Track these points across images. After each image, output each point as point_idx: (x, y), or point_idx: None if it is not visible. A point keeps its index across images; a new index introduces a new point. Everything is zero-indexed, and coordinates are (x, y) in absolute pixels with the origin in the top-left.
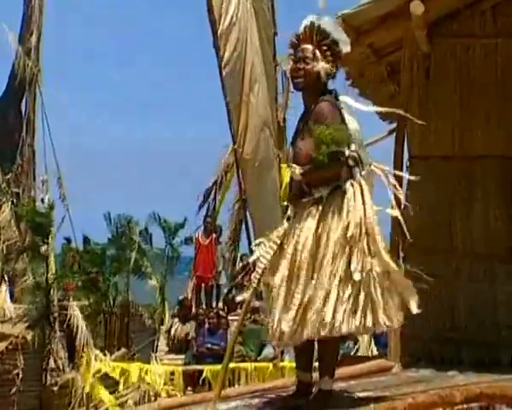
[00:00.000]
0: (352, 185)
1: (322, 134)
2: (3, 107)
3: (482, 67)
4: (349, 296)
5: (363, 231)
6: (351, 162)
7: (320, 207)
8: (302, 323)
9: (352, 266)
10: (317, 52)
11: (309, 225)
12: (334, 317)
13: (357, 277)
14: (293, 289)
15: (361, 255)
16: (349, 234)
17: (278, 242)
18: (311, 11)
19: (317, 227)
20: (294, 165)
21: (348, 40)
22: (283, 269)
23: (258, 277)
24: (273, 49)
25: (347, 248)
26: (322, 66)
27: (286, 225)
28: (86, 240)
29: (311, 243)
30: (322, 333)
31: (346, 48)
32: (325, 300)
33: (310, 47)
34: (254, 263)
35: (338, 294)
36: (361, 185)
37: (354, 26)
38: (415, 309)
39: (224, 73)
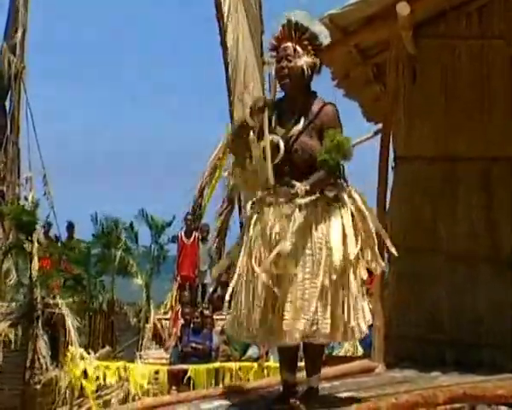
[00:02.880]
0: (354, 194)
1: (340, 141)
2: None
3: (468, 69)
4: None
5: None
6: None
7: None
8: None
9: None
10: (298, 48)
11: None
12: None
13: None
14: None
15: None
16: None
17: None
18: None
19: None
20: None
21: (327, 32)
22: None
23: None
24: (260, 48)
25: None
26: (304, 60)
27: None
28: (70, 226)
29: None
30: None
31: (326, 40)
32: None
33: (290, 44)
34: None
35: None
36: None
37: (340, 26)
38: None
39: (229, 70)
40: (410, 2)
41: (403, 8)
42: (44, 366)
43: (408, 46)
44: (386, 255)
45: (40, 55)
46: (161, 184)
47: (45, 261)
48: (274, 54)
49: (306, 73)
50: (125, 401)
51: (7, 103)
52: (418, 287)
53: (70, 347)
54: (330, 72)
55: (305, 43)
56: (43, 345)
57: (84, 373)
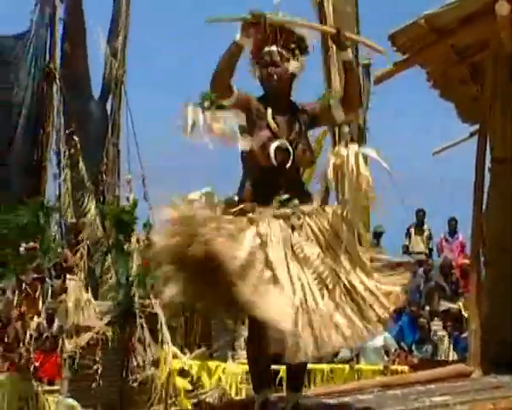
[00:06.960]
0: None
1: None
2: (94, 106)
3: None
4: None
5: None
6: None
7: None
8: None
9: None
10: (284, 52)
11: None
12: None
13: None
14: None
15: None
16: None
17: None
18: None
19: None
20: None
21: (312, 34)
22: None
23: None
24: (355, 50)
25: None
26: (294, 66)
27: None
28: None
29: None
30: None
31: (311, 42)
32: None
33: (275, 49)
34: None
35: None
36: None
37: (436, 26)
38: None
39: None
40: (510, 0)
41: (502, 8)
42: (142, 365)
43: (507, 46)
44: (482, 258)
45: (142, 60)
46: None
47: (145, 262)
48: (250, 57)
49: (296, 77)
50: (221, 400)
51: (108, 106)
52: None
53: (164, 346)
54: (426, 72)
55: (293, 46)
56: (140, 344)
57: (180, 372)
